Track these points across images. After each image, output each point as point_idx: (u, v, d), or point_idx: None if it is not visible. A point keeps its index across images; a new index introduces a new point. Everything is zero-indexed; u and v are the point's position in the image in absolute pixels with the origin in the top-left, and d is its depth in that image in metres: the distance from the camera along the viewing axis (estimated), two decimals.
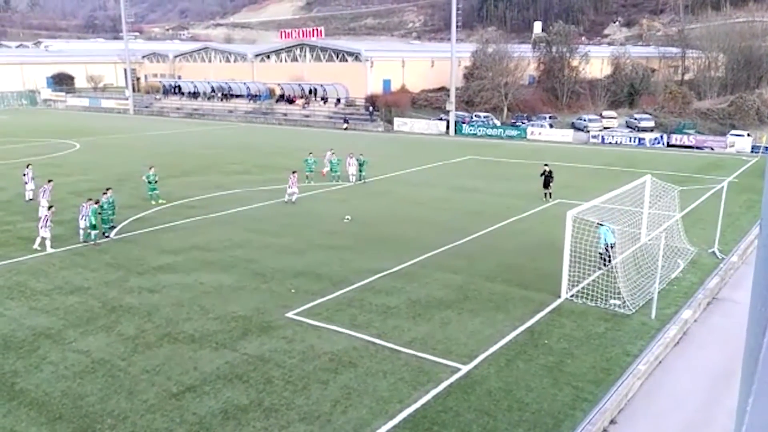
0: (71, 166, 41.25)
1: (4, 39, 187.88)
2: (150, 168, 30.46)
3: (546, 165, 30.67)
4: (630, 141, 52.50)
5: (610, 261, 19.22)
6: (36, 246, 22.24)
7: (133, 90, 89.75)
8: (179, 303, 17.31)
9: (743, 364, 1.89)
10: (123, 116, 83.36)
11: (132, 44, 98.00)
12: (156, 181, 29.77)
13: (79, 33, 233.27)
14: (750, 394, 1.34)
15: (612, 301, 17.08)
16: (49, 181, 27.57)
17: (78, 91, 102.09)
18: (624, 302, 16.86)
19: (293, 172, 29.94)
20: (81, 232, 23.42)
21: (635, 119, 58.88)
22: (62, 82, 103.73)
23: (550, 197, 29.66)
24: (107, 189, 25.25)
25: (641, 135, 53.04)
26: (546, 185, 29.76)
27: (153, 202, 29.26)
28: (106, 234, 23.96)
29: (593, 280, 18.08)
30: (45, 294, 18.13)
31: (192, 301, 17.48)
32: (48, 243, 22.16)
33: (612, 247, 19.64)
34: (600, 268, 18.94)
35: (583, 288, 17.84)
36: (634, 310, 16.60)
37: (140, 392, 12.64)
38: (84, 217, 23.03)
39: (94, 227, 23.07)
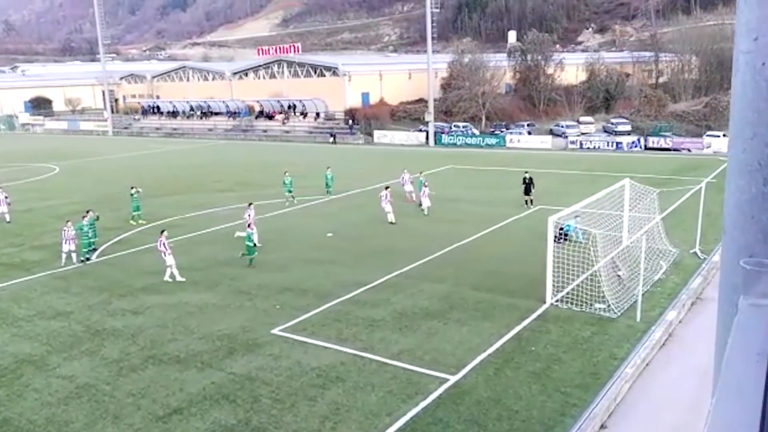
0: (51, 190, 40.81)
1: None
2: (132, 188, 30.34)
3: (526, 172, 30.95)
4: (608, 146, 53.15)
5: (564, 240, 20.65)
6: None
7: (112, 111, 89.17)
8: (163, 324, 17.14)
9: (714, 366, 1.96)
10: (102, 138, 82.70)
11: (109, 66, 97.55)
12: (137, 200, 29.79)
13: (56, 56, 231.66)
14: (713, 395, 1.39)
15: (597, 305, 17.21)
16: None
17: (56, 115, 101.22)
18: (609, 306, 17.00)
19: (249, 204, 27.35)
20: (63, 255, 23.12)
21: (612, 124, 59.59)
22: (40, 105, 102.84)
23: (531, 204, 29.90)
24: (87, 211, 24.99)
25: (618, 139, 53.71)
26: (527, 192, 30.02)
27: (133, 222, 29.11)
28: (88, 257, 23.64)
29: (578, 285, 18.21)
30: (27, 320, 17.90)
31: (176, 321, 17.32)
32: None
33: (566, 234, 21.16)
34: (557, 240, 19.43)
35: (567, 293, 17.96)
36: (619, 314, 16.72)
37: (126, 416, 12.47)
38: (67, 241, 22.87)
39: (89, 244, 23.31)
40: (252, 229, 22.66)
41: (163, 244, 21.27)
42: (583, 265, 18.66)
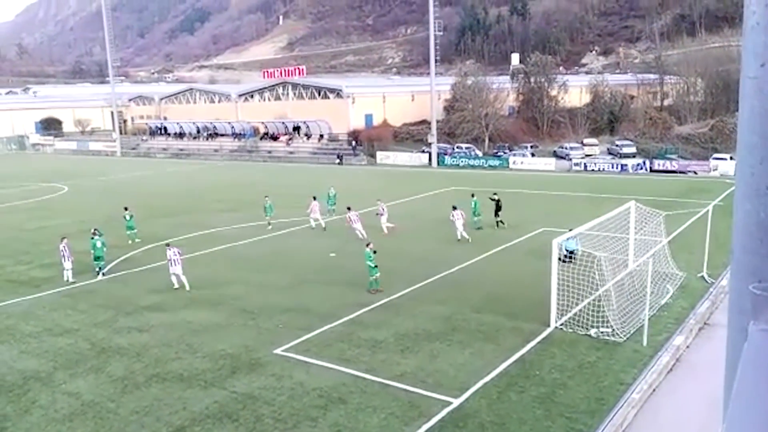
0: (60, 209, 41.08)
1: None
2: (126, 209, 31.08)
3: (495, 193, 31.32)
4: (612, 168, 53.18)
5: (570, 260, 20.78)
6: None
7: (120, 132, 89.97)
8: (167, 342, 17.14)
9: (724, 392, 1.94)
10: (111, 158, 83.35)
11: (118, 88, 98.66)
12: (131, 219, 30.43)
13: (67, 78, 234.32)
14: (724, 421, 1.39)
15: (602, 329, 17.07)
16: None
17: (66, 135, 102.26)
18: (613, 330, 16.86)
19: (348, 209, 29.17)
20: (65, 273, 23.43)
21: (617, 146, 59.66)
22: (50, 126, 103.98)
23: (502, 224, 30.22)
24: (94, 230, 25.17)
25: (623, 161, 53.75)
26: (496, 213, 30.34)
27: (130, 242, 29.57)
28: (103, 272, 24.14)
29: (582, 308, 18.10)
30: (34, 336, 17.97)
31: (180, 339, 17.31)
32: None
33: (572, 254, 21.16)
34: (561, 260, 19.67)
35: (572, 316, 17.84)
36: (625, 338, 16.56)
37: None
38: (68, 258, 23.26)
39: (98, 258, 23.74)
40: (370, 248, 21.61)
41: (177, 252, 22.33)
42: (588, 288, 18.56)
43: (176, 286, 22.22)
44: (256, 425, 12.61)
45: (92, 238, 24.35)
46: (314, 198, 32.32)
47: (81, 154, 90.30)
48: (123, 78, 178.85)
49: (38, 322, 19.23)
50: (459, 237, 28.17)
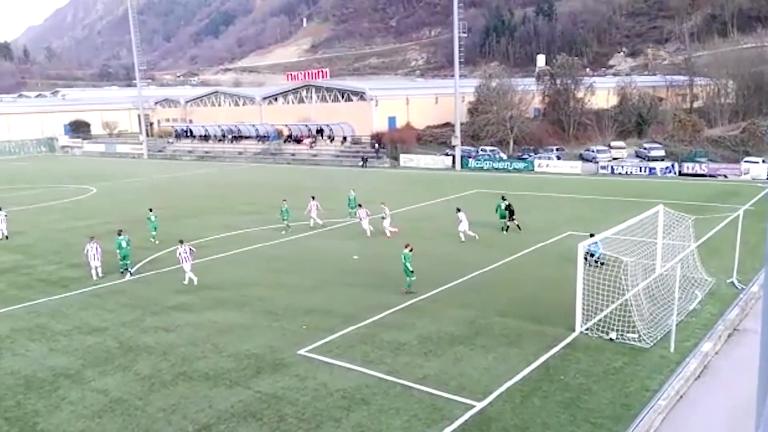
0: (88, 210, 41.93)
1: (24, 89, 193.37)
2: (150, 210, 31.78)
3: (503, 198, 31.26)
4: (640, 171, 52.44)
5: (596, 264, 20.87)
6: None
7: (147, 135, 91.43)
8: (194, 342, 17.41)
9: (757, 400, 1.92)
10: (137, 161, 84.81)
11: (145, 91, 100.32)
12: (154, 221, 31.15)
13: (94, 81, 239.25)
14: (757, 429, 1.39)
15: (628, 335, 16.85)
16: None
17: (94, 138, 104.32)
18: (640, 336, 16.64)
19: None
20: (93, 272, 24.14)
21: (645, 149, 58.76)
22: (79, 129, 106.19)
23: (518, 228, 30.21)
24: (119, 231, 25.74)
25: (652, 164, 52.95)
26: (510, 218, 30.27)
27: (156, 242, 30.25)
28: (130, 271, 24.75)
29: (609, 314, 17.89)
30: (64, 335, 18.40)
31: (206, 339, 17.57)
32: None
33: (593, 257, 21.23)
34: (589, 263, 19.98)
35: (598, 321, 17.65)
36: (652, 344, 16.32)
37: (157, 431, 12.68)
38: (95, 257, 23.97)
39: (125, 257, 24.39)
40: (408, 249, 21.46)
41: (189, 250, 23.29)
42: (614, 293, 18.35)
43: (185, 282, 23.10)
44: (279, 425, 12.75)
45: (117, 239, 24.89)
46: (312, 198, 33.34)
47: (109, 156, 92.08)
48: (149, 81, 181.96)
49: (68, 320, 19.67)
50: (463, 239, 28.47)
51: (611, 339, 16.72)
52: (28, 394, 14.56)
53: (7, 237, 32.88)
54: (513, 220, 30.34)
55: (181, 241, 23.95)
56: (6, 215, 33.73)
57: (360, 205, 31.69)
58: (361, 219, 30.85)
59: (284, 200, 33.12)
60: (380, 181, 53.72)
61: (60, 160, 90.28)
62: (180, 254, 23.29)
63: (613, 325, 17.19)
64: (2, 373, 15.76)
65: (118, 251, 24.77)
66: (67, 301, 21.67)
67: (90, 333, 18.46)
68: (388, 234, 30.16)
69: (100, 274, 24.29)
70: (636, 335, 16.70)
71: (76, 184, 56.75)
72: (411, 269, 21.00)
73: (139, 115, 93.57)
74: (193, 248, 23.97)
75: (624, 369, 15.06)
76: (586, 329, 17.34)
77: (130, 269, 24.87)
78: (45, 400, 14.24)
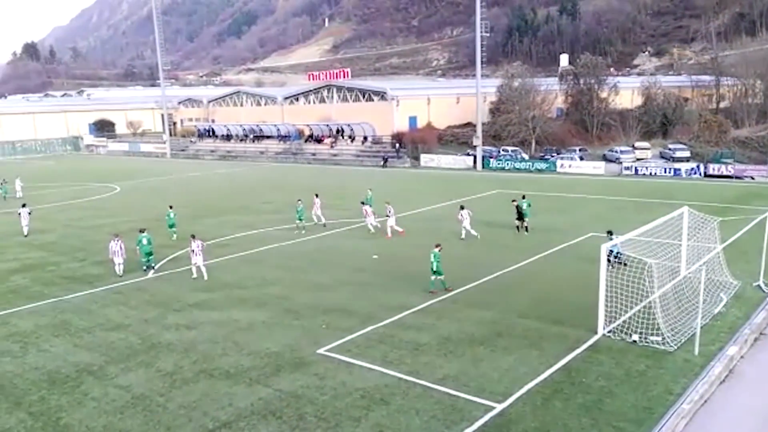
0: (112, 209, 42.57)
1: (50, 89, 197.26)
2: (170, 207, 32.32)
3: (513, 200, 31.16)
4: (665, 172, 51.72)
5: (623, 264, 20.58)
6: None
7: (170, 134, 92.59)
8: (214, 339, 17.56)
9: None
10: (160, 160, 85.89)
11: (168, 91, 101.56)
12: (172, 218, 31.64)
13: (119, 81, 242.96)
14: None
15: (651, 338, 16.61)
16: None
17: (118, 137, 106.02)
18: (664, 338, 16.39)
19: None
20: (116, 268, 24.58)
21: (670, 150, 57.99)
22: (103, 128, 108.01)
23: (526, 230, 30.12)
24: (140, 230, 26.17)
25: (676, 165, 52.21)
26: (520, 218, 30.29)
27: (175, 238, 30.66)
28: (152, 267, 25.27)
29: (632, 316, 17.64)
30: (88, 331, 18.68)
31: (227, 337, 17.71)
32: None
33: (616, 256, 21.09)
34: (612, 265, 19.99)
35: (621, 324, 17.42)
36: (676, 347, 16.06)
37: (178, 428, 12.80)
38: (117, 254, 24.44)
39: (149, 254, 24.91)
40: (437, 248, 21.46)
41: (200, 245, 23.93)
42: (637, 296, 18.09)
43: (194, 276, 23.87)
44: (299, 423, 12.79)
45: (139, 236, 25.37)
46: (316, 195, 34.08)
47: (132, 155, 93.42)
48: (173, 81, 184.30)
49: (91, 317, 19.95)
50: (463, 236, 28.77)
51: (634, 341, 16.49)
52: (52, 389, 14.78)
53: (26, 235, 33.28)
54: (522, 221, 30.30)
55: (193, 236, 24.51)
56: (30, 212, 34.30)
57: (363, 203, 32.42)
58: (366, 216, 31.37)
59: (299, 200, 33.30)
60: (400, 181, 53.69)
61: (85, 158, 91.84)
62: (192, 249, 23.92)
63: (636, 327, 16.94)
64: (27, 369, 16.03)
65: (139, 249, 25.17)
66: (90, 298, 22.00)
67: (113, 329, 18.71)
68: (389, 234, 30.25)
69: (122, 272, 24.64)
70: (660, 338, 16.45)
71: (100, 182, 57.67)
72: (437, 269, 20.95)
73: (162, 115, 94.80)
74: (203, 243, 24.56)
75: (647, 372, 14.84)
76: (609, 331, 17.12)
77: (153, 265, 25.25)
78: (68, 395, 14.45)
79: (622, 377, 14.57)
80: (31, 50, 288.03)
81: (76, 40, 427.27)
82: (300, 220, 32.15)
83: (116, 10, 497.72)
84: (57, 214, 40.75)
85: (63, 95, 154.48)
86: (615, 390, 13.94)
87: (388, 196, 37.25)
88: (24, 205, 34.72)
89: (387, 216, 30.74)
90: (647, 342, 16.44)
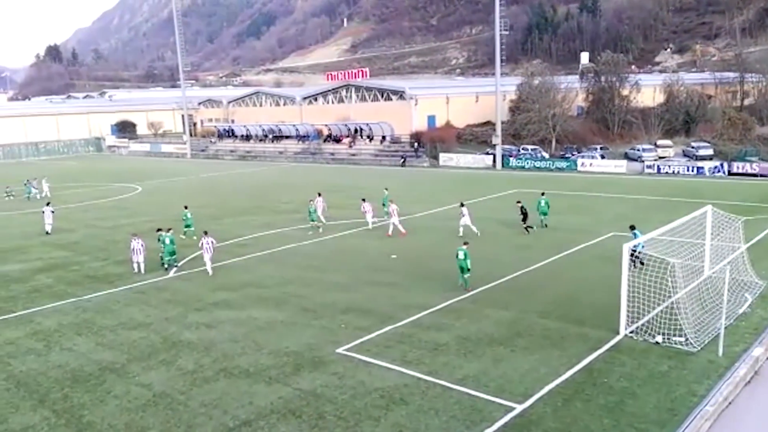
0: (133, 208, 43.11)
1: (72, 90, 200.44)
2: (185, 207, 32.69)
3: (518, 202, 31.25)
4: (688, 170, 50.94)
5: (641, 263, 20.38)
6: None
7: (190, 135, 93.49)
8: (234, 338, 17.68)
9: None
10: (181, 160, 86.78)
11: (189, 92, 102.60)
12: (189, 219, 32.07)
13: (140, 83, 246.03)
14: None
15: (674, 338, 16.37)
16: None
17: (139, 138, 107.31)
18: (687, 339, 16.14)
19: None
20: (135, 266, 25.14)
21: (692, 148, 57.14)
22: (125, 129, 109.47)
23: (531, 229, 29.98)
24: (164, 229, 26.47)
25: (700, 164, 51.39)
26: (523, 220, 30.16)
27: (184, 236, 30.95)
28: (174, 265, 25.70)
29: (654, 316, 17.40)
30: (110, 330, 18.92)
31: (246, 336, 17.82)
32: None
33: (636, 253, 20.64)
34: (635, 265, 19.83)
35: (643, 324, 17.19)
36: (699, 348, 15.81)
37: (198, 426, 12.89)
38: (137, 252, 25.01)
39: (172, 253, 25.34)
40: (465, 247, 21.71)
41: (211, 242, 24.70)
42: (660, 296, 17.84)
43: (210, 273, 24.55)
44: (318, 422, 12.81)
45: (162, 235, 25.77)
46: (319, 194, 34.85)
47: (153, 156, 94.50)
48: (193, 82, 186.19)
49: (113, 316, 20.21)
50: (460, 233, 28.79)
51: (657, 342, 16.26)
52: (75, 387, 14.98)
53: (48, 233, 34.15)
54: (525, 221, 30.18)
55: (206, 233, 25.17)
56: (53, 211, 35.23)
57: (364, 200, 32.86)
58: (365, 212, 31.79)
59: (311, 200, 33.50)
60: (419, 180, 53.59)
61: (107, 159, 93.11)
62: (203, 245, 24.63)
63: (659, 327, 16.70)
64: (51, 367, 16.28)
65: (163, 247, 25.53)
66: (112, 297, 22.28)
67: (135, 328, 18.93)
68: (390, 233, 30.43)
69: (143, 270, 25.05)
70: (683, 338, 16.21)
71: (122, 182, 58.43)
72: (467, 266, 21.22)
73: (183, 116, 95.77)
74: (214, 241, 25.15)
75: (670, 373, 14.63)
76: (631, 332, 16.91)
77: (176, 264, 25.70)
78: (91, 393, 14.63)
79: (645, 378, 14.38)
80: (54, 52, 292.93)
81: (98, 42, 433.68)
82: (312, 221, 32.21)
83: (137, 12, 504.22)
84: (80, 214, 41.38)
85: (85, 97, 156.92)
86: (637, 391, 13.76)
87: (406, 195, 37.30)
88: (48, 204, 35.71)
89: (390, 215, 30.86)
90: (670, 342, 16.21)
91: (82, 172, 71.77)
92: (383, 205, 34.77)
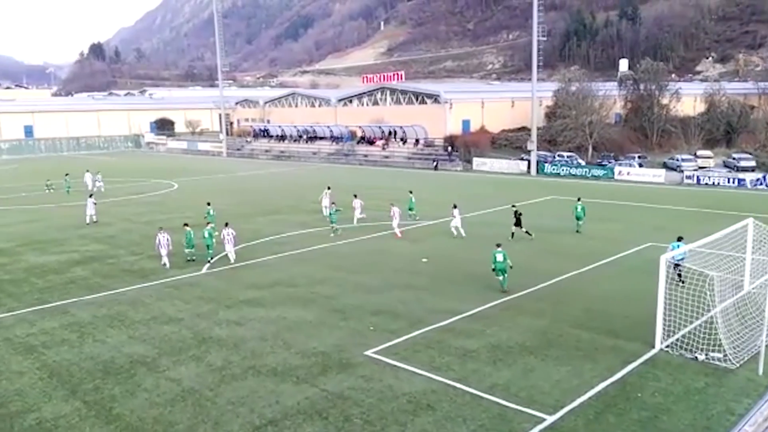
0: (169, 205, 43.84)
1: (114, 88, 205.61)
2: (208, 204, 33.91)
3: (513, 206, 31.42)
4: (729, 182, 49.59)
5: (678, 275, 20.08)
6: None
7: (227, 134, 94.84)
8: (263, 337, 17.75)
9: None
10: (217, 158, 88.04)
11: (226, 92, 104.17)
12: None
13: (180, 82, 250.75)
14: None
15: (712, 354, 15.85)
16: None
17: (177, 135, 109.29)
18: (726, 355, 15.61)
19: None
20: (165, 259, 25.90)
21: (734, 159, 55.67)
22: (164, 126, 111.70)
23: (529, 234, 29.73)
24: (208, 223, 28.13)
25: (741, 175, 49.98)
26: (518, 225, 29.96)
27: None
28: (210, 260, 26.53)
29: (691, 330, 16.89)
30: (142, 323, 19.18)
31: (275, 335, 17.88)
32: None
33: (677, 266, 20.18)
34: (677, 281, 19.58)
35: (679, 338, 16.69)
36: (738, 365, 15.30)
37: (225, 423, 12.94)
38: (163, 246, 25.83)
39: (209, 246, 26.19)
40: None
41: (231, 233, 26.08)
42: (698, 309, 17.31)
43: (232, 261, 26.03)
44: (344, 425, 12.75)
45: (205, 229, 26.89)
46: (328, 187, 36.95)
47: (190, 154, 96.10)
48: (231, 82, 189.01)
49: (146, 309, 20.50)
50: (455, 234, 30.30)
51: (695, 358, 15.76)
52: (106, 379, 15.20)
53: (88, 223, 36.07)
54: (520, 227, 29.92)
55: (227, 224, 26.49)
56: (95, 203, 37.26)
57: (411, 209, 33.85)
58: (393, 216, 31.67)
59: (333, 203, 33.59)
60: (452, 184, 53.28)
61: (145, 155, 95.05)
62: (224, 236, 25.93)
63: (697, 342, 16.20)
64: (83, 358, 16.57)
65: (188, 242, 26.54)
66: (146, 291, 22.64)
67: (166, 323, 19.17)
68: (398, 234, 31.10)
69: (167, 264, 25.72)
70: (721, 355, 15.68)
71: (159, 179, 59.53)
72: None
73: (220, 115, 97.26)
74: (234, 232, 26.50)
75: (707, 390, 14.17)
76: (667, 346, 16.44)
77: (210, 259, 26.36)
78: (121, 386, 14.82)
79: (680, 394, 13.96)
80: (97, 51, 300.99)
81: (140, 42, 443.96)
82: (333, 222, 32.05)
83: (179, 13, 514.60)
84: (117, 208, 42.26)
85: (126, 94, 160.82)
86: (672, 407, 13.35)
87: (438, 199, 37.07)
88: (91, 195, 38.03)
89: (391, 217, 31.39)
90: (708, 359, 15.71)
91: (120, 167, 73.36)
92: (410, 209, 34.73)
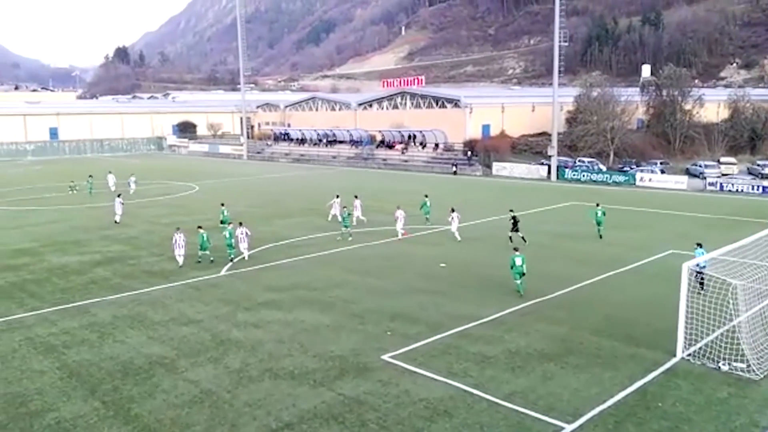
0: (190, 207, 44.28)
1: (138, 91, 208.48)
2: (222, 205, 34.78)
3: (511, 210, 31.32)
4: (753, 189, 48.71)
5: (700, 283, 19.81)
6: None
7: (248, 137, 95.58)
8: (281, 339, 17.80)
9: None
10: (238, 161, 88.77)
11: (248, 95, 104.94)
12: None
13: (202, 85, 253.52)
14: None
15: (735, 364, 15.54)
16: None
17: (199, 138, 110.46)
18: (749, 366, 15.29)
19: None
20: (180, 259, 26.51)
21: (758, 166, 54.82)
22: (186, 129, 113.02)
23: (524, 240, 29.24)
24: (229, 223, 28.49)
25: (765, 183, 49.10)
26: (515, 230, 29.87)
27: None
28: (232, 259, 27.02)
29: (714, 339, 16.58)
30: (162, 324, 19.33)
31: (293, 338, 17.92)
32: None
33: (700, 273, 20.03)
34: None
35: (702, 347, 16.40)
36: (762, 375, 14.98)
37: (242, 425, 12.96)
38: (179, 246, 26.49)
39: (230, 246, 26.78)
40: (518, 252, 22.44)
41: (246, 233, 26.95)
42: (721, 318, 16.98)
43: (246, 258, 26.87)
44: (361, 429, 12.70)
45: (227, 228, 27.60)
46: (337, 196, 37.25)
47: (211, 156, 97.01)
48: (252, 86, 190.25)
49: (166, 311, 20.67)
50: (459, 238, 30.65)
51: (718, 368, 15.47)
52: (125, 380, 15.31)
53: (117, 222, 36.89)
54: (517, 231, 29.78)
55: (241, 223, 27.51)
56: (123, 203, 38.46)
57: (399, 207, 33.60)
58: (398, 220, 31.99)
59: (344, 207, 33.59)
60: (471, 188, 53.08)
61: (167, 158, 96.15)
62: (238, 235, 26.84)
63: (719, 352, 15.90)
64: (103, 358, 16.72)
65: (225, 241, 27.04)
66: (166, 292, 22.84)
67: (185, 324, 19.30)
68: (400, 236, 31.68)
69: (181, 263, 26.25)
70: (744, 365, 15.37)
71: (180, 181, 60.17)
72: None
73: (241, 118, 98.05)
74: (249, 231, 27.37)
75: (729, 400, 13.89)
76: (688, 355, 16.16)
77: (232, 258, 26.90)
78: (140, 386, 14.92)
79: (702, 404, 13.70)
80: (122, 54, 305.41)
81: (164, 46, 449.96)
82: (346, 227, 32.12)
83: (203, 17, 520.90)
84: (140, 210, 42.75)
85: (150, 97, 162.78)
86: (693, 417, 13.10)
87: (457, 203, 36.81)
88: (119, 195, 39.11)
89: (396, 219, 31.86)
90: (731, 368, 15.40)
91: (143, 169, 74.23)
92: (425, 213, 34.67)
